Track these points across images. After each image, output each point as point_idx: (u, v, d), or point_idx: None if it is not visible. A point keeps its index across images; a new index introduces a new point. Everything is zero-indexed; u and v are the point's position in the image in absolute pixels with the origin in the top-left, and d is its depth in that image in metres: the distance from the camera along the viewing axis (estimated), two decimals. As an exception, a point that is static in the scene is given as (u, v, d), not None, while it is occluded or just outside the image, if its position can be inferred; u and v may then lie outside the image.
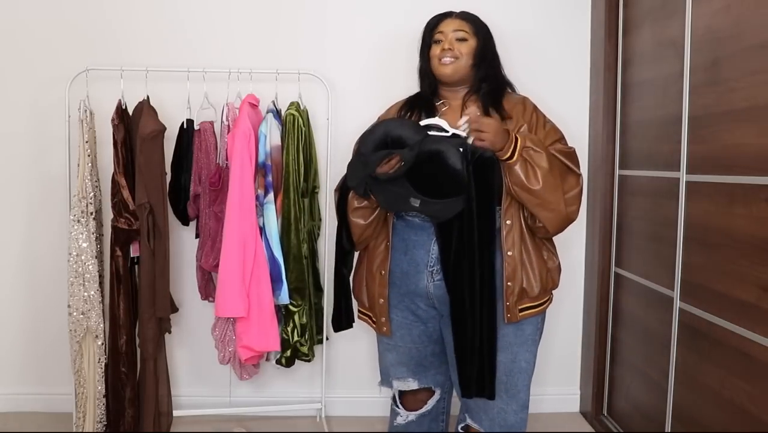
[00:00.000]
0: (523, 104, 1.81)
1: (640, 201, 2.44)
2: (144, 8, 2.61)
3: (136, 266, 2.38)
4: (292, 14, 2.66)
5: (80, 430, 2.37)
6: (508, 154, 1.62)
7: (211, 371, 2.67)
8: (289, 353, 2.43)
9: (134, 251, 2.35)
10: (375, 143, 1.64)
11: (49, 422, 2.59)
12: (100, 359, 2.33)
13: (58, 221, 2.57)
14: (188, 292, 2.64)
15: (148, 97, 2.37)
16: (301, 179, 2.39)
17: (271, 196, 2.32)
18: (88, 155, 2.29)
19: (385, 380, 1.95)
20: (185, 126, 2.42)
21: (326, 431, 2.62)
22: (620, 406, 2.60)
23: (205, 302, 2.57)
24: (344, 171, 1.74)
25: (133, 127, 2.34)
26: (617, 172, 2.60)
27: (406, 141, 1.61)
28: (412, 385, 1.90)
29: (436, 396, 1.95)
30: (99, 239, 2.37)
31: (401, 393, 1.96)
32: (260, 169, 2.32)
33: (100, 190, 2.39)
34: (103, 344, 2.34)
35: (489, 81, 1.83)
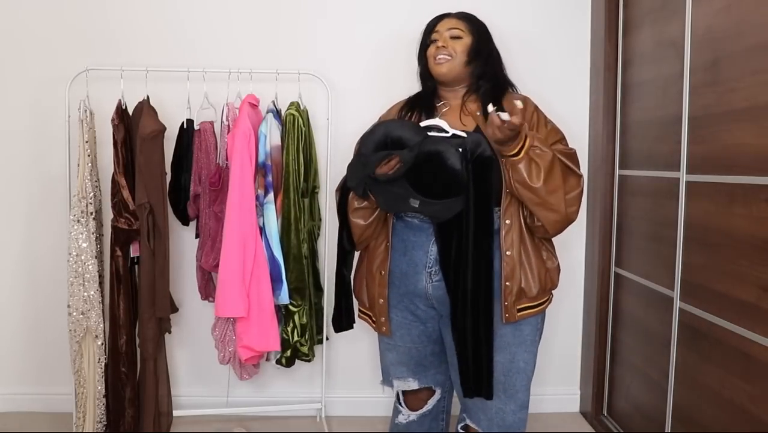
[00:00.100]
0: (523, 104, 1.81)
1: (640, 201, 2.44)
2: (144, 8, 2.62)
3: (136, 266, 2.38)
4: (292, 14, 2.66)
5: (80, 430, 2.37)
6: (515, 151, 1.62)
7: (211, 371, 2.67)
8: (289, 353, 2.43)
9: (134, 251, 2.35)
10: (375, 144, 1.65)
11: (49, 422, 2.60)
12: (100, 359, 2.33)
13: (58, 221, 2.57)
14: (188, 292, 2.64)
15: (148, 97, 2.37)
16: (301, 179, 2.39)
17: (271, 196, 2.32)
18: (88, 155, 2.29)
19: (386, 380, 1.96)
20: (185, 126, 2.42)
21: (326, 431, 2.62)
22: (620, 406, 2.60)
23: (205, 302, 2.57)
24: (344, 171, 1.74)
25: (133, 127, 2.34)
26: (617, 172, 2.60)
27: (405, 142, 1.62)
28: (412, 385, 1.90)
29: (437, 396, 1.95)
30: (99, 239, 2.37)
31: (403, 392, 1.97)
32: (260, 169, 2.32)
33: (100, 190, 2.39)
34: (103, 344, 2.34)
35: (486, 79, 1.83)
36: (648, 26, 2.37)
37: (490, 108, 1.60)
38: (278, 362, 2.45)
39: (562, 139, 1.78)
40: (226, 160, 2.36)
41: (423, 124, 1.71)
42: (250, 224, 2.26)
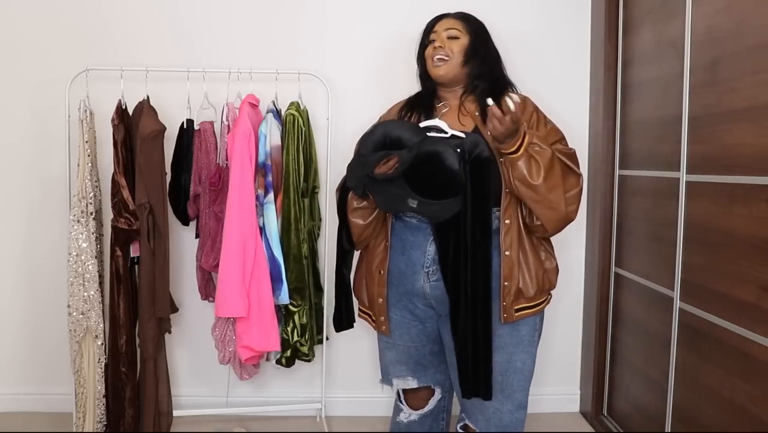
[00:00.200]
0: (523, 104, 1.81)
1: (640, 201, 2.44)
2: (144, 8, 2.61)
3: (136, 266, 2.38)
4: (292, 14, 2.66)
5: (80, 430, 2.37)
6: (515, 148, 1.62)
7: (211, 371, 2.67)
8: (289, 353, 2.43)
9: (134, 251, 2.35)
10: (374, 144, 1.65)
11: (49, 422, 2.59)
12: (100, 359, 2.33)
13: (58, 221, 2.57)
14: (188, 292, 2.64)
15: (148, 97, 2.37)
16: (301, 179, 2.39)
17: (271, 196, 2.32)
18: (88, 155, 2.29)
19: (386, 378, 1.96)
20: (185, 126, 2.42)
21: (326, 431, 2.62)
22: (620, 406, 2.60)
23: (205, 302, 2.57)
24: (344, 171, 1.75)
25: (133, 127, 2.34)
26: (617, 172, 2.60)
27: (404, 142, 1.62)
28: (411, 383, 1.91)
29: (437, 395, 1.96)
30: (99, 239, 2.37)
31: (404, 391, 1.97)
32: (260, 169, 2.32)
33: (100, 190, 2.39)
34: (103, 344, 2.34)
35: (484, 79, 1.83)
36: (648, 26, 2.37)
37: (490, 102, 1.59)
38: (278, 362, 2.45)
39: (562, 139, 1.78)
40: (226, 160, 2.36)
41: (422, 124, 1.71)
42: (250, 224, 2.26)
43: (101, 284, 2.34)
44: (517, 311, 1.73)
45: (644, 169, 2.39)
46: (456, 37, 1.81)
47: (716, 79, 1.90)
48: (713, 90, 1.92)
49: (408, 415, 1.97)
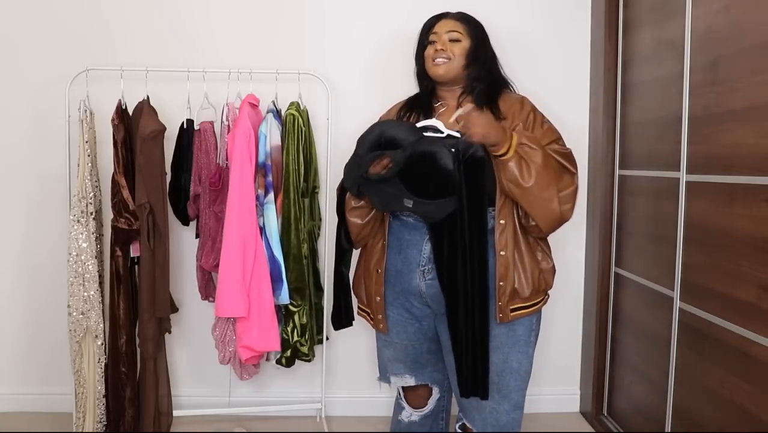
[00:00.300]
0: (520, 104, 1.82)
1: (640, 201, 2.44)
2: (144, 8, 2.61)
3: (136, 266, 2.38)
4: (292, 14, 2.66)
5: (80, 430, 2.37)
6: (503, 150, 1.62)
7: (211, 371, 2.67)
8: (289, 353, 2.43)
9: (134, 251, 2.35)
10: (370, 144, 1.66)
11: (49, 422, 2.59)
12: (100, 359, 2.33)
13: (58, 221, 2.57)
14: (188, 292, 2.64)
15: (148, 97, 2.37)
16: (301, 179, 2.39)
17: (271, 196, 2.32)
18: (88, 155, 2.29)
19: (383, 376, 1.97)
20: (185, 126, 2.42)
21: (326, 431, 2.62)
22: (620, 406, 2.60)
23: (205, 302, 2.57)
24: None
25: (133, 127, 2.34)
26: (617, 172, 2.60)
27: (399, 142, 1.63)
28: (409, 381, 1.91)
29: (436, 395, 1.96)
30: (99, 239, 2.37)
31: (404, 389, 1.98)
32: (260, 169, 2.32)
33: (100, 190, 2.39)
34: (103, 344, 2.34)
35: (482, 81, 1.83)
36: (648, 26, 2.37)
37: (457, 113, 1.65)
38: (278, 362, 2.45)
39: (558, 139, 1.78)
40: (226, 160, 2.36)
41: (419, 124, 1.72)
42: (250, 224, 2.26)
43: (101, 284, 2.34)
44: (513, 310, 1.73)
45: (644, 169, 2.39)
46: (458, 40, 1.81)
47: (716, 79, 1.90)
48: (713, 90, 1.92)
49: (409, 414, 1.97)
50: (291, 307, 2.41)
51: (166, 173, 2.34)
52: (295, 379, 2.73)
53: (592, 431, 2.71)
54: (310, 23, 2.67)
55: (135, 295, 2.37)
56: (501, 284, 1.71)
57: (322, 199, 2.56)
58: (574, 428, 2.74)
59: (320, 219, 2.57)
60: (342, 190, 1.82)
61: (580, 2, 2.72)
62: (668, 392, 2.16)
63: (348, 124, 2.52)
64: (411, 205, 1.65)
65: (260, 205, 2.32)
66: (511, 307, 1.72)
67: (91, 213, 2.29)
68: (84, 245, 2.26)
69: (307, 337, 2.45)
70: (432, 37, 1.84)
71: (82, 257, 2.26)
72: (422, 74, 1.90)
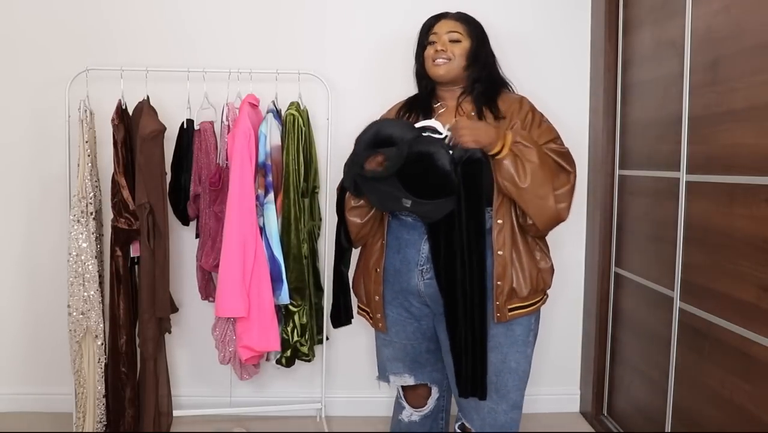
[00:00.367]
0: (519, 103, 1.82)
1: (640, 201, 2.44)
2: (143, 8, 2.61)
3: (136, 266, 2.38)
4: (292, 14, 2.66)
5: (80, 430, 2.37)
6: (498, 149, 1.64)
7: (212, 371, 2.67)
8: (289, 353, 2.43)
9: (134, 251, 2.35)
10: (366, 143, 1.67)
11: (49, 422, 2.59)
12: (100, 359, 2.33)
13: (58, 221, 2.57)
14: (188, 292, 2.64)
15: (148, 97, 2.37)
16: (301, 179, 2.39)
17: (271, 196, 2.32)
18: (88, 155, 2.29)
19: (383, 375, 1.97)
20: (185, 126, 2.42)
21: (326, 431, 2.62)
22: (620, 406, 2.60)
23: (205, 302, 2.57)
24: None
25: (133, 127, 2.34)
26: (617, 172, 2.60)
27: (396, 140, 1.63)
28: (408, 380, 1.91)
29: (435, 394, 1.96)
30: (99, 239, 2.37)
31: (403, 389, 1.99)
32: (260, 169, 2.32)
33: (100, 190, 2.39)
34: (103, 344, 2.34)
35: (482, 81, 1.84)
36: (648, 26, 2.37)
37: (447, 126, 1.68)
38: (278, 362, 2.45)
39: (556, 138, 1.78)
40: (226, 160, 2.36)
41: (418, 125, 1.72)
42: (250, 224, 2.26)
43: (101, 284, 2.34)
44: (511, 310, 1.73)
45: (644, 169, 2.39)
46: (458, 40, 1.81)
47: (716, 79, 1.90)
48: (713, 90, 1.92)
49: (409, 414, 1.97)
50: (291, 307, 2.41)
51: (166, 173, 2.34)
52: (295, 379, 2.73)
53: (592, 431, 2.71)
54: (310, 23, 2.67)
55: (135, 295, 2.37)
56: (498, 283, 1.71)
57: (322, 199, 2.56)
58: (574, 428, 2.74)
59: (320, 219, 2.57)
60: (342, 190, 1.83)
61: (580, 2, 2.72)
62: (668, 392, 2.16)
63: (348, 124, 2.51)
64: (409, 205, 1.65)
65: (260, 205, 2.32)
66: (509, 306, 1.72)
67: (91, 213, 2.29)
68: (84, 244, 2.26)
69: (307, 337, 2.45)
70: (432, 38, 1.84)
71: (82, 257, 2.26)
72: (422, 74, 1.90)
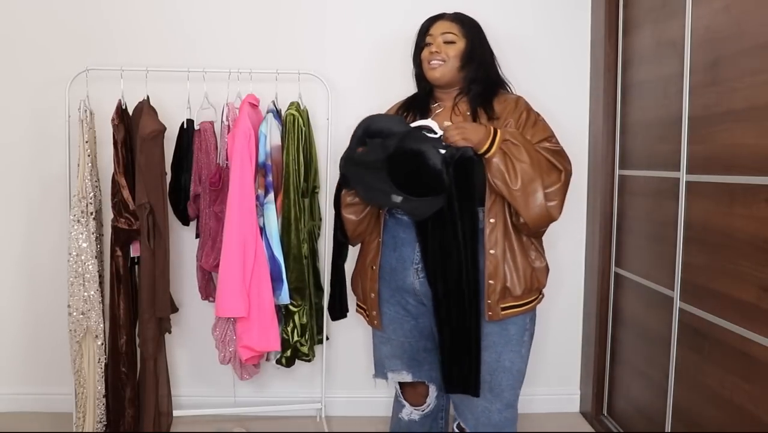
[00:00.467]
0: (515, 103, 1.83)
1: (640, 201, 2.44)
2: (144, 8, 2.61)
3: (136, 266, 2.37)
4: (292, 14, 2.66)
5: (80, 430, 2.37)
6: (485, 147, 1.65)
7: (212, 371, 2.67)
8: (289, 353, 2.43)
9: (134, 251, 2.35)
10: (357, 138, 1.73)
11: (49, 422, 2.59)
12: (100, 359, 2.33)
13: (58, 221, 2.57)
14: (188, 292, 2.64)
15: (148, 97, 2.37)
16: (301, 179, 2.39)
17: (271, 196, 2.32)
18: (88, 155, 2.29)
19: (380, 372, 1.97)
20: (185, 126, 2.42)
21: (326, 431, 2.62)
22: (620, 406, 2.60)
23: (205, 302, 2.57)
24: (344, 171, 1.76)
25: (133, 127, 2.34)
26: (617, 172, 2.60)
27: (386, 133, 1.67)
28: (406, 377, 1.92)
29: (433, 393, 1.97)
30: (99, 239, 2.37)
31: (402, 388, 1.99)
32: (260, 169, 2.32)
33: (100, 190, 2.39)
34: (103, 344, 2.34)
35: (478, 82, 1.85)
36: (648, 26, 2.37)
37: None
38: (278, 362, 2.45)
39: (550, 137, 1.79)
40: (226, 160, 2.36)
41: (414, 124, 1.74)
42: (251, 224, 2.26)
43: (101, 284, 2.34)
44: (504, 309, 1.74)
45: (644, 169, 2.39)
46: (452, 42, 1.83)
47: (716, 79, 1.91)
48: (713, 90, 1.92)
49: (409, 412, 1.98)
50: (291, 307, 2.41)
51: (166, 173, 2.34)
52: (295, 379, 2.73)
53: (592, 431, 2.71)
54: (310, 23, 2.67)
55: (135, 295, 2.37)
56: (491, 282, 1.72)
57: (322, 200, 2.56)
58: (574, 428, 2.74)
59: (320, 219, 2.57)
60: (340, 186, 1.85)
61: (580, 2, 2.72)
62: (668, 392, 2.16)
63: (348, 124, 2.49)
64: (400, 201, 1.66)
65: (260, 205, 2.32)
66: (502, 305, 1.73)
67: (91, 213, 2.29)
68: (84, 244, 2.26)
69: (307, 337, 2.45)
70: (428, 39, 1.86)
71: (83, 257, 2.26)
72: (420, 76, 1.92)
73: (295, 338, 2.42)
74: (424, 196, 1.64)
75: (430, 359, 1.91)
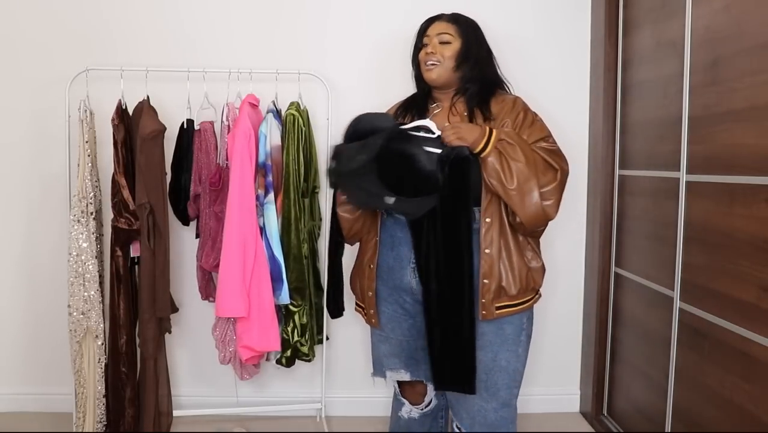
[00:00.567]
0: (512, 104, 1.84)
1: (640, 201, 2.44)
2: (144, 8, 2.61)
3: (136, 266, 2.38)
4: (292, 14, 2.66)
5: (80, 430, 2.37)
6: (480, 146, 1.66)
7: (212, 371, 2.67)
8: (289, 352, 2.43)
9: (134, 251, 2.35)
10: (347, 137, 1.75)
11: (49, 422, 2.59)
12: (100, 359, 2.33)
13: (58, 221, 2.57)
14: (188, 292, 2.64)
15: (148, 97, 2.37)
16: (301, 179, 2.39)
17: (271, 196, 2.33)
18: (88, 155, 2.29)
19: (378, 370, 1.98)
20: (185, 126, 2.42)
21: (326, 431, 2.62)
22: (620, 406, 2.60)
23: (205, 302, 2.57)
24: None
25: (133, 127, 2.34)
26: (617, 172, 2.60)
27: (373, 131, 1.68)
28: (404, 376, 1.92)
29: (431, 391, 1.97)
30: (99, 239, 2.37)
31: (401, 386, 2.00)
32: (260, 169, 2.32)
33: (100, 190, 2.39)
34: (103, 344, 2.34)
35: (474, 82, 1.85)
36: (648, 26, 2.37)
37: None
38: (278, 362, 2.45)
39: (547, 137, 1.80)
40: (227, 160, 2.36)
41: (412, 124, 1.75)
42: (251, 224, 2.26)
43: (101, 284, 2.34)
44: (499, 308, 1.74)
45: (644, 169, 2.39)
46: (448, 42, 1.84)
47: (716, 79, 1.91)
48: (713, 90, 1.92)
49: (409, 410, 1.99)
50: (291, 307, 2.41)
51: (166, 173, 2.34)
52: (295, 379, 2.73)
53: (592, 431, 2.71)
54: (310, 23, 2.67)
55: (135, 295, 2.37)
56: (485, 281, 1.72)
57: (322, 199, 2.56)
58: (574, 428, 2.74)
59: (320, 219, 2.57)
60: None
61: (579, 3, 2.72)
62: (668, 392, 2.16)
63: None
64: (392, 203, 1.67)
65: (260, 205, 2.32)
66: (497, 304, 1.74)
67: (91, 213, 2.29)
68: (84, 244, 2.26)
69: (307, 337, 2.45)
70: (425, 40, 1.88)
71: (83, 257, 2.26)
72: (419, 76, 1.94)
73: (295, 338, 2.42)
74: (416, 197, 1.65)
75: (427, 358, 1.92)
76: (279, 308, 2.41)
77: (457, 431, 1.89)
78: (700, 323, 1.98)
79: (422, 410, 1.99)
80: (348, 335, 2.71)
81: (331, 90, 2.53)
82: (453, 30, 1.84)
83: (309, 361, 2.50)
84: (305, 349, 2.45)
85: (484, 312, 1.73)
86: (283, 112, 2.41)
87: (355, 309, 1.99)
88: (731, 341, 1.82)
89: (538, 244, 1.84)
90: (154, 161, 2.26)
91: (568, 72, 2.74)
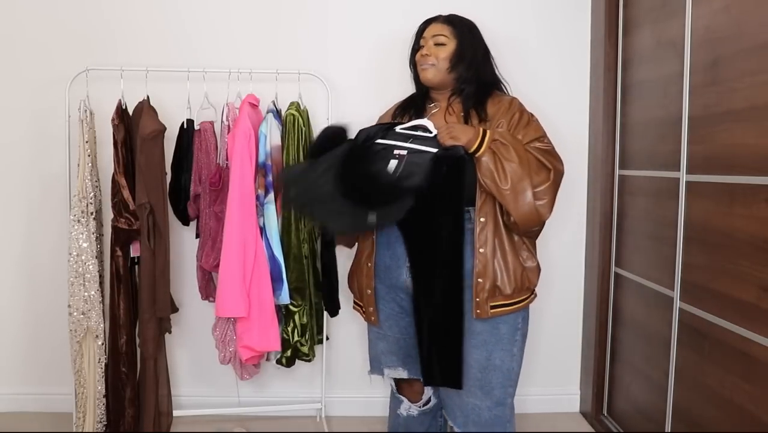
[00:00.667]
0: (509, 104, 1.85)
1: (640, 201, 2.44)
2: (144, 8, 2.61)
3: (136, 266, 2.38)
4: (293, 14, 2.66)
5: (80, 430, 2.37)
6: (474, 146, 1.67)
7: (212, 371, 2.67)
8: (289, 353, 2.43)
9: (134, 251, 2.35)
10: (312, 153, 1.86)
11: (49, 422, 2.59)
12: (100, 359, 2.33)
13: (58, 221, 2.57)
14: (188, 292, 2.64)
15: (148, 97, 2.37)
16: (302, 179, 2.39)
17: (271, 196, 2.33)
18: (88, 155, 2.29)
19: (376, 368, 1.99)
20: (185, 126, 2.42)
21: (326, 431, 2.62)
22: (620, 406, 2.60)
23: (205, 302, 2.57)
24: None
25: (133, 127, 2.34)
26: (617, 172, 2.60)
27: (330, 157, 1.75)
28: (401, 373, 1.93)
29: (429, 390, 1.98)
30: (99, 239, 2.37)
31: (398, 385, 2.01)
32: (260, 169, 2.32)
33: (100, 190, 2.39)
34: (103, 344, 2.34)
35: (470, 82, 1.86)
36: (648, 26, 2.37)
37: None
38: (278, 362, 2.45)
39: (541, 137, 1.81)
40: (227, 160, 2.36)
41: (409, 124, 1.79)
42: (251, 224, 2.26)
43: (101, 284, 2.34)
44: (494, 307, 1.74)
45: (644, 169, 2.39)
46: (443, 44, 1.86)
47: (716, 79, 1.91)
48: (713, 90, 1.92)
49: (408, 407, 2.00)
50: (291, 307, 2.41)
51: (166, 173, 2.34)
52: (295, 379, 2.73)
53: (592, 431, 2.71)
54: (310, 23, 2.67)
55: (135, 295, 2.37)
56: (480, 280, 1.73)
57: (322, 199, 2.56)
58: (574, 428, 2.74)
59: (320, 219, 2.57)
60: None
61: (580, 3, 2.72)
62: (668, 392, 2.16)
63: (348, 123, 2.52)
64: (375, 220, 1.70)
65: (260, 205, 2.32)
66: (492, 304, 1.74)
67: (92, 213, 2.29)
68: (84, 244, 2.26)
69: (307, 337, 2.45)
70: (421, 42, 1.90)
71: (83, 257, 2.26)
72: (416, 77, 1.96)
73: (296, 338, 2.42)
74: (388, 205, 1.68)
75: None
76: (279, 308, 2.41)
77: (457, 430, 1.89)
78: (700, 323, 1.98)
79: (421, 407, 1.99)
80: (348, 335, 2.71)
81: (331, 90, 2.53)
82: (448, 31, 1.86)
83: (309, 361, 2.50)
84: (305, 349, 2.45)
85: (478, 311, 1.74)
86: (283, 112, 2.41)
87: (353, 307, 2.00)
88: (731, 341, 1.82)
89: (533, 244, 1.84)
90: (154, 161, 2.26)
91: (568, 72, 2.74)
